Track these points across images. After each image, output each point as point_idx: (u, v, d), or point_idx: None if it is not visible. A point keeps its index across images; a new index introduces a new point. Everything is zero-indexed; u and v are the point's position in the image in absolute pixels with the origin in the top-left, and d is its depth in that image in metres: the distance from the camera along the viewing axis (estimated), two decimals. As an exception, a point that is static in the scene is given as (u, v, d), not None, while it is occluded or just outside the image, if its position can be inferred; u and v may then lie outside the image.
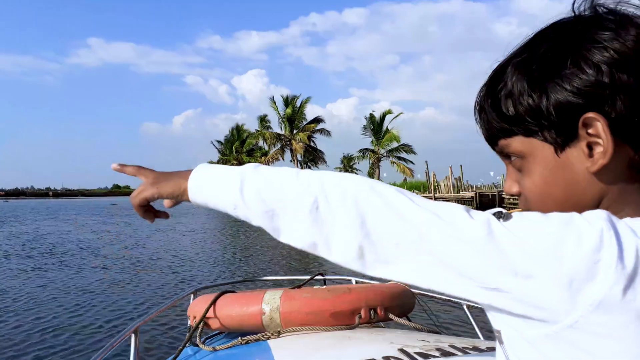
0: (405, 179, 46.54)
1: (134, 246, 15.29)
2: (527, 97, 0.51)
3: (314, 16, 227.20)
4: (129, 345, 1.78)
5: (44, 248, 14.75)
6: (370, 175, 49.39)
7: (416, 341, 1.49)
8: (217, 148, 70.96)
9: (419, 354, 1.36)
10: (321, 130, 56.85)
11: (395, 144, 47.24)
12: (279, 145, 57.87)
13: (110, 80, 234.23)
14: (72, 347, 5.62)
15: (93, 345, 5.61)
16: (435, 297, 2.70)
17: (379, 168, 48.87)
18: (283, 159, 59.59)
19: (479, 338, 1.98)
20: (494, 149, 0.58)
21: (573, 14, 0.52)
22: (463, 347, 1.41)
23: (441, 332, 1.89)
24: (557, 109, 0.49)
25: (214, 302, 1.94)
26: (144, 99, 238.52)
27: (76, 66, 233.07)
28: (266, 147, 63.52)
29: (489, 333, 2.46)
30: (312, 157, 58.26)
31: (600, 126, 0.47)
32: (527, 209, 0.56)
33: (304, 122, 56.39)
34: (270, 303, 1.83)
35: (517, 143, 0.54)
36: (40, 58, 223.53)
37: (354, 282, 2.80)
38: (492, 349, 1.41)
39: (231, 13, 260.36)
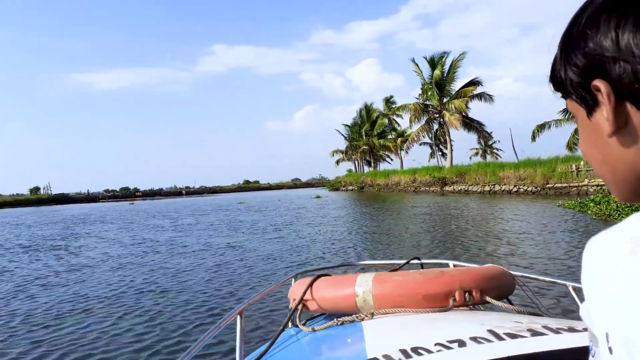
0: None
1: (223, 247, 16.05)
2: (559, 63, 0.53)
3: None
4: (235, 326, 1.91)
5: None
6: (570, 147, 35.28)
7: (508, 322, 1.44)
8: (343, 135, 66.76)
9: (508, 334, 1.32)
10: (479, 96, 40.70)
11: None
12: (423, 121, 44.07)
13: (235, 83, 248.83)
14: (180, 326, 6.06)
15: (200, 327, 6.02)
16: (538, 279, 2.57)
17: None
18: (429, 137, 46.81)
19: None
20: None
21: None
22: (557, 328, 1.35)
23: (542, 315, 1.81)
24: (578, 73, 0.50)
25: (310, 286, 2.02)
26: (266, 99, 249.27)
27: (204, 73, 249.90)
28: (400, 127, 54.02)
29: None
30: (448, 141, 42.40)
31: (605, 92, 0.46)
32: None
33: (455, 88, 41.42)
34: (362, 285, 1.87)
35: (568, 104, 0.55)
36: (173, 68, 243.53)
37: (451, 266, 2.73)
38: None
39: (341, 5, 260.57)
